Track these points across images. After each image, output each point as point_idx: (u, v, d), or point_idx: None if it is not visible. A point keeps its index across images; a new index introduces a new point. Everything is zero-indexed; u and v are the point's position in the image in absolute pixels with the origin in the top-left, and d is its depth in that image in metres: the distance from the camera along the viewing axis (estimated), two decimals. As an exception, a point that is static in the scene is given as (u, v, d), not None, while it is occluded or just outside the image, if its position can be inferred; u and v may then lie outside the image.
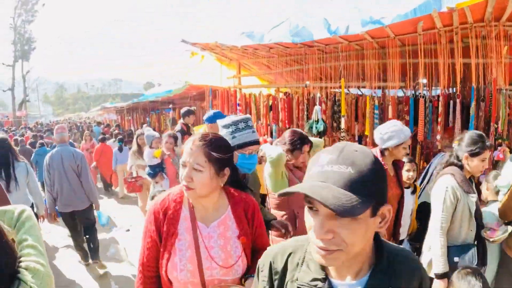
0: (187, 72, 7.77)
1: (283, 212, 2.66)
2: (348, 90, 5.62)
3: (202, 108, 13.14)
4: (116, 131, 11.10)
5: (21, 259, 1.21)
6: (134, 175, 5.78)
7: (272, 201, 2.79)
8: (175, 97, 9.67)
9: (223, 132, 2.01)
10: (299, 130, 2.85)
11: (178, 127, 5.70)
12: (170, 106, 9.64)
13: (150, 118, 13.20)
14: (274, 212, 2.73)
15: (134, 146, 5.90)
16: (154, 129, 11.00)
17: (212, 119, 3.66)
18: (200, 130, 3.84)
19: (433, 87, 5.32)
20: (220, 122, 2.10)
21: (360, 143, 5.85)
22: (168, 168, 4.86)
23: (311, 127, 4.84)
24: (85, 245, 4.58)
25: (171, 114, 9.27)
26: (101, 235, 5.59)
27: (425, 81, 5.36)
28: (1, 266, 1.12)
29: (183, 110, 5.82)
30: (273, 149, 2.58)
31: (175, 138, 4.92)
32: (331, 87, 5.77)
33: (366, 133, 5.10)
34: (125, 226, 6.17)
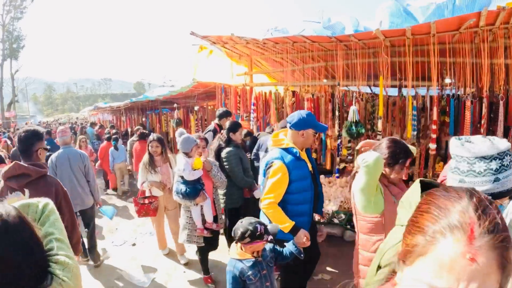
0: (195, 68, 7.14)
1: (377, 238, 2.18)
2: (386, 90, 5.12)
3: (204, 107, 12.56)
4: (114, 131, 10.39)
5: (50, 253, 1.22)
6: (147, 194, 4.49)
7: (361, 224, 2.26)
8: (179, 96, 9.00)
9: (479, 167, 1.29)
10: (400, 139, 2.33)
11: (211, 126, 5.11)
12: (175, 105, 8.98)
13: (149, 118, 12.39)
14: (364, 237, 2.25)
15: (145, 157, 4.51)
16: (152, 131, 10.36)
17: (303, 124, 2.78)
18: (282, 138, 2.88)
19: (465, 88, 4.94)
20: (471, 148, 1.32)
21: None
22: (205, 183, 3.84)
23: (349, 129, 4.28)
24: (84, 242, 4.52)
25: (176, 114, 8.60)
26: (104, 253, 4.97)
27: (449, 80, 5.03)
28: (38, 262, 1.13)
29: (220, 111, 5.31)
30: (367, 153, 2.06)
31: (206, 141, 4.18)
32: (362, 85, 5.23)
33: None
34: (129, 240, 5.50)
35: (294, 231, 2.65)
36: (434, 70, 4.60)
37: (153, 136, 4.58)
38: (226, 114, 5.30)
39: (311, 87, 6.10)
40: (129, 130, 12.55)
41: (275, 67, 7.25)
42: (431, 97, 5.03)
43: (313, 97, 5.40)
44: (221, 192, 4.16)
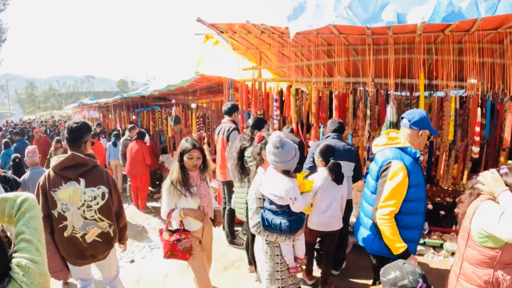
0: (199, 60, 6.53)
1: (484, 272, 1.85)
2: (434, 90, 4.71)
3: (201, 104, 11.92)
4: (101, 129, 10.56)
5: (15, 254, 1.20)
6: (175, 226, 2.98)
7: (471, 253, 1.92)
8: (176, 91, 8.34)
9: None
10: None
11: (229, 124, 4.49)
12: (173, 101, 8.30)
13: (141, 116, 11.58)
14: (469, 267, 1.92)
15: (175, 173, 2.88)
16: (147, 129, 9.61)
17: (423, 124, 2.37)
18: (396, 137, 2.44)
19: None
20: None
21: (431, 147, 4.90)
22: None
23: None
24: None
25: (173, 111, 7.92)
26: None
27: (475, 81, 4.70)
28: None
29: (228, 105, 4.75)
30: None
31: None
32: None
33: (450, 138, 4.11)
34: (126, 255, 4.75)
35: (405, 255, 2.22)
36: (472, 69, 4.31)
37: (190, 141, 2.95)
38: (235, 108, 4.83)
39: (317, 83, 5.56)
40: (119, 128, 11.80)
41: (282, 61, 6.70)
42: (467, 98, 4.68)
43: (338, 93, 4.83)
44: (242, 201, 3.57)
